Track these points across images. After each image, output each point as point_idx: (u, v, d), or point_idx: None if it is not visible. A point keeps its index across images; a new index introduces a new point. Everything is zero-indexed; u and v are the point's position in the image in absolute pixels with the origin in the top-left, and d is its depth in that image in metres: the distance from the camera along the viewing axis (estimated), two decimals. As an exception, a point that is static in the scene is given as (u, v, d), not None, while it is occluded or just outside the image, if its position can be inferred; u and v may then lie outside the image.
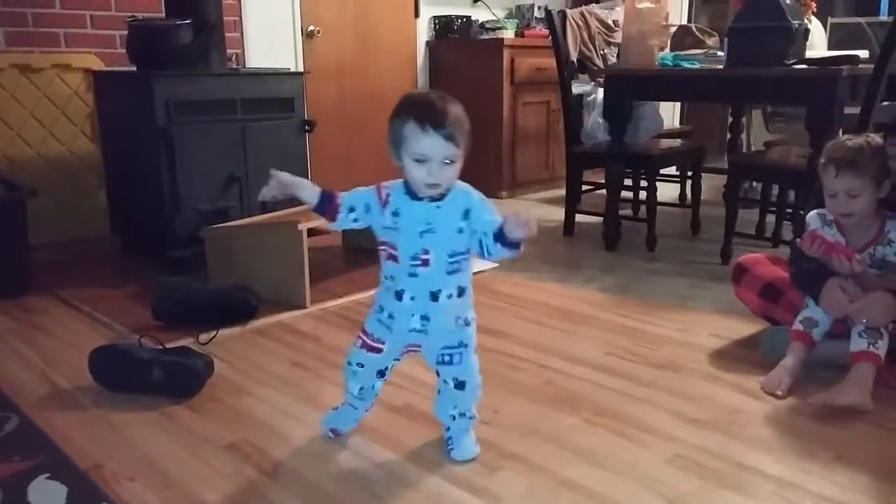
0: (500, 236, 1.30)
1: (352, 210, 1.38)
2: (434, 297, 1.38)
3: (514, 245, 1.30)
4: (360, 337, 1.48)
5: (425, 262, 1.36)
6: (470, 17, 4.69)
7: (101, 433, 1.63)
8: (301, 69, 3.86)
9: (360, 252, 2.97)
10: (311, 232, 2.43)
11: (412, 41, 4.62)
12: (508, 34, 4.54)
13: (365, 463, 1.50)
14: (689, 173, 3.77)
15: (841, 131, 2.57)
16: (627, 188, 3.75)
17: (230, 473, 1.46)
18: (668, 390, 1.83)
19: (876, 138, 1.87)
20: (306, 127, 3.06)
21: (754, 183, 3.83)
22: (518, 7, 4.96)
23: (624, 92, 3.20)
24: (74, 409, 1.75)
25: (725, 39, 2.95)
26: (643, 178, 3.72)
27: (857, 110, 2.71)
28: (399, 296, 1.39)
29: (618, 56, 3.93)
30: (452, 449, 1.51)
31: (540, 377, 1.92)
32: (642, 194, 3.74)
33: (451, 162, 1.30)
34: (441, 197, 1.34)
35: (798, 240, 1.91)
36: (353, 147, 4.36)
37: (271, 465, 1.49)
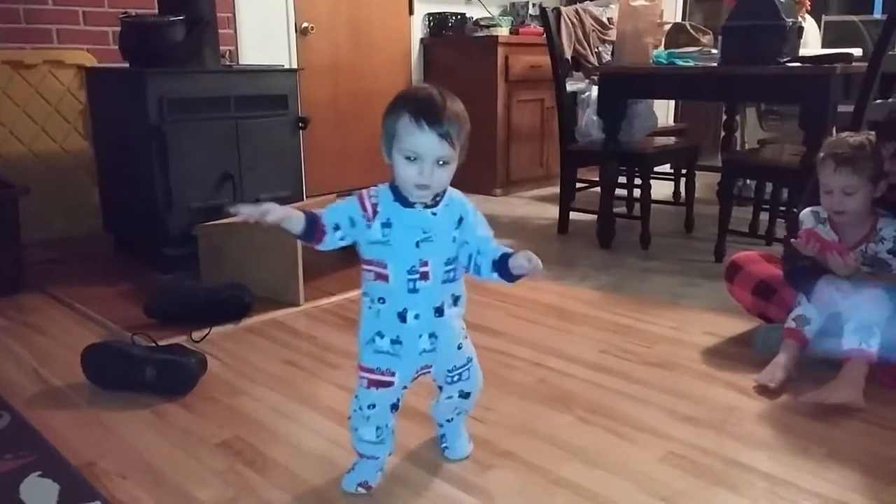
0: (500, 265, 1.25)
1: (337, 228, 1.25)
2: (439, 311, 1.29)
3: (513, 278, 1.25)
4: (362, 377, 1.32)
5: (425, 276, 1.26)
6: (464, 14, 4.68)
7: (93, 431, 1.62)
8: (295, 66, 3.85)
9: (354, 250, 2.96)
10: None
11: (406, 38, 4.61)
12: (503, 32, 4.54)
13: (358, 461, 1.49)
14: (684, 171, 3.77)
15: (835, 129, 2.58)
16: (622, 186, 3.75)
17: (223, 471, 1.46)
18: (662, 388, 1.83)
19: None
20: (300, 124, 3.05)
21: (748, 181, 3.83)
22: (513, 4, 4.95)
23: (618, 90, 3.20)
24: (67, 407, 1.74)
25: (719, 37, 2.96)
26: (637, 176, 3.72)
27: (850, 108, 2.73)
28: (402, 317, 1.27)
29: (612, 54, 3.93)
30: (447, 447, 1.50)
31: (533, 375, 1.92)
32: (636, 192, 3.74)
33: (446, 163, 1.21)
34: (434, 203, 1.26)
35: (792, 239, 1.92)
36: (347, 144, 4.36)
37: (264, 463, 1.49)
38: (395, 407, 1.36)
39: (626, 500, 1.36)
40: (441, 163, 1.20)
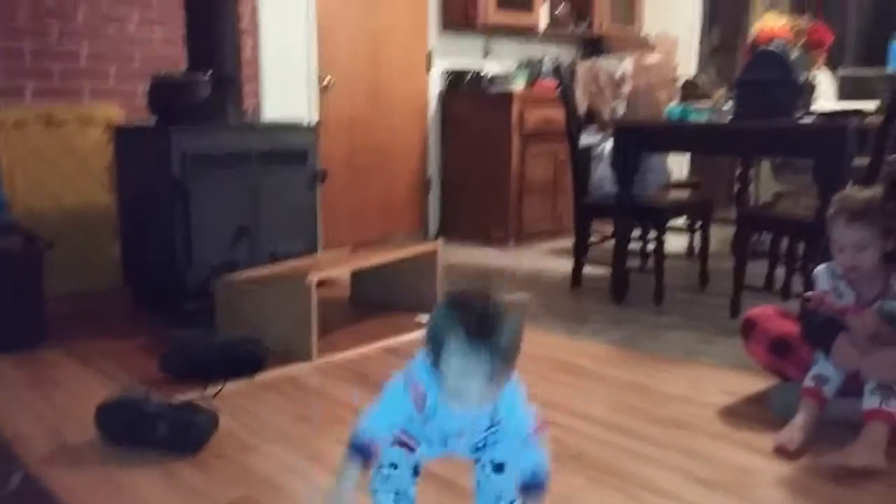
0: (521, 488, 1.23)
1: (391, 429, 1.24)
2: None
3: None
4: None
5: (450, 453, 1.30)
6: (481, 70, 4.78)
7: (105, 490, 1.62)
8: (316, 119, 3.93)
9: (367, 305, 3.00)
10: (318, 283, 2.45)
11: (423, 93, 4.70)
12: (518, 86, 4.62)
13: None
14: (698, 225, 3.77)
15: (851, 183, 2.58)
16: (635, 240, 3.75)
17: (231, 533, 1.45)
18: (676, 448, 1.80)
19: None
20: (318, 178, 3.10)
21: (763, 234, 3.81)
22: (528, 60, 5.05)
23: (632, 143, 3.22)
24: (80, 464, 1.75)
25: (733, 92, 2.99)
26: (651, 230, 3.71)
27: (865, 161, 2.72)
28: (416, 471, 1.30)
29: (626, 108, 3.98)
30: None
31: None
32: (650, 246, 3.73)
33: (492, 384, 1.15)
34: None
35: (806, 295, 1.90)
36: (362, 198, 4.39)
37: (273, 524, 1.48)
38: (416, 472, 1.31)
39: (639, 567, 1.33)
40: (486, 390, 1.15)
